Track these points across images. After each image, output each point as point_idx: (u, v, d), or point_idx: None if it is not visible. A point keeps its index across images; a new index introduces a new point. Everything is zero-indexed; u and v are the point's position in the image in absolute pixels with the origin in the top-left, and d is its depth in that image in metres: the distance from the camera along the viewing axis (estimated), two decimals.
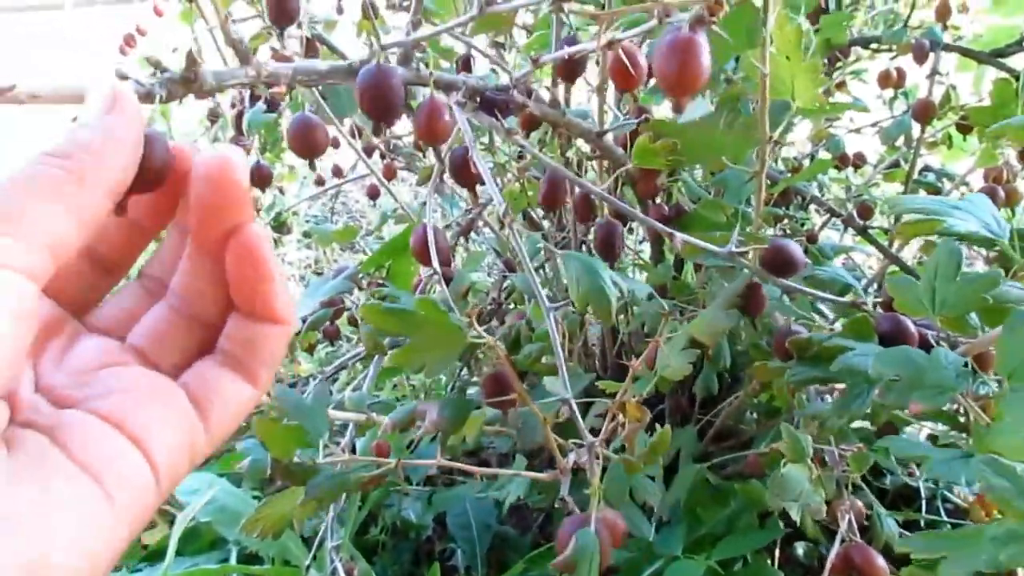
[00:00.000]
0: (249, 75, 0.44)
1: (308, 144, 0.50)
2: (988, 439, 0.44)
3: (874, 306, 0.59)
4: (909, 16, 1.03)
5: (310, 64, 0.48)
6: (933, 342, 0.55)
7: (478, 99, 0.53)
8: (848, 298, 0.59)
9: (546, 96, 0.58)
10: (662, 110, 0.74)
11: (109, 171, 0.27)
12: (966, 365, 0.48)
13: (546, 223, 1.01)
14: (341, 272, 0.75)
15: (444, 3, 0.83)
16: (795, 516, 0.63)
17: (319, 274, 2.02)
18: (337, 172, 1.32)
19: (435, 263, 0.53)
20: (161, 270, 0.32)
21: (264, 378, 0.31)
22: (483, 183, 0.52)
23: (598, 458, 0.47)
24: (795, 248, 0.58)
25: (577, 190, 0.72)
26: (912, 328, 0.55)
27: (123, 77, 0.34)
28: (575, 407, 0.47)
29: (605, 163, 0.73)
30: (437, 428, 0.59)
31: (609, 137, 0.63)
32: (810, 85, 0.51)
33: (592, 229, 0.68)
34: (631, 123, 0.60)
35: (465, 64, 0.66)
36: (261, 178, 0.94)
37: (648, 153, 0.56)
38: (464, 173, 0.57)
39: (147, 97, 0.38)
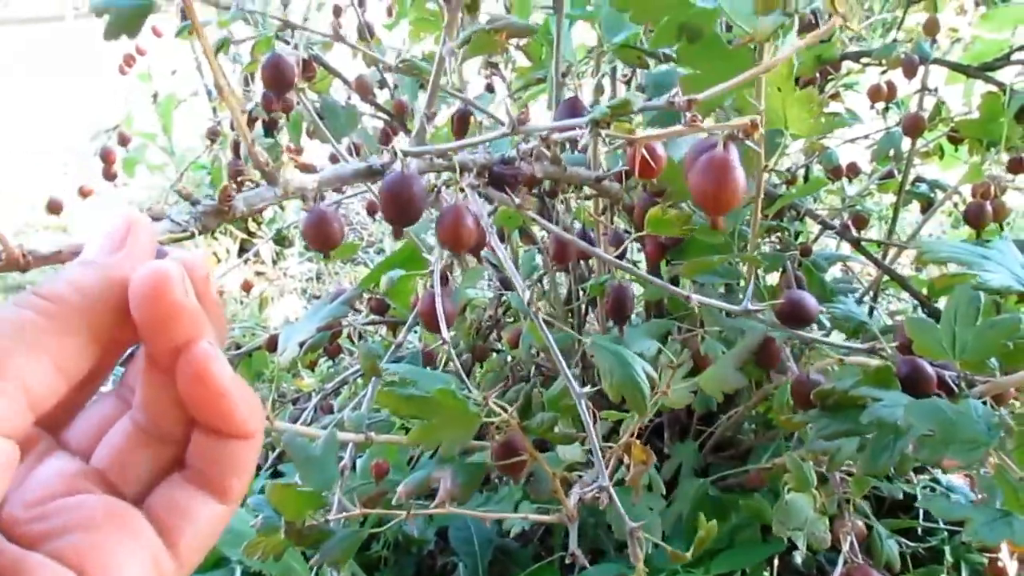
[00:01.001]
0: (278, 195, 0.45)
1: (323, 239, 0.50)
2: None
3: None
4: (902, 21, 1.03)
5: (334, 172, 0.49)
6: (952, 383, 0.55)
7: (487, 175, 0.54)
8: (866, 344, 0.59)
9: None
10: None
11: (102, 317, 0.25)
12: (995, 415, 0.49)
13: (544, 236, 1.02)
14: (339, 296, 0.75)
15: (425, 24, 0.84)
16: (801, 546, 0.64)
17: (318, 297, 2.03)
18: (337, 188, 1.33)
19: (444, 332, 0.54)
20: (135, 380, 0.30)
21: (237, 490, 0.29)
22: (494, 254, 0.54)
23: (641, 548, 0.48)
24: (810, 301, 0.59)
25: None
26: (931, 371, 0.55)
27: (157, 218, 0.33)
28: (614, 495, 0.49)
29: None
30: (451, 496, 0.60)
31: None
32: (803, 114, 0.52)
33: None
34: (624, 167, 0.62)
35: (461, 120, 0.67)
36: None
37: (663, 224, 0.58)
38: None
39: (183, 234, 0.38)
